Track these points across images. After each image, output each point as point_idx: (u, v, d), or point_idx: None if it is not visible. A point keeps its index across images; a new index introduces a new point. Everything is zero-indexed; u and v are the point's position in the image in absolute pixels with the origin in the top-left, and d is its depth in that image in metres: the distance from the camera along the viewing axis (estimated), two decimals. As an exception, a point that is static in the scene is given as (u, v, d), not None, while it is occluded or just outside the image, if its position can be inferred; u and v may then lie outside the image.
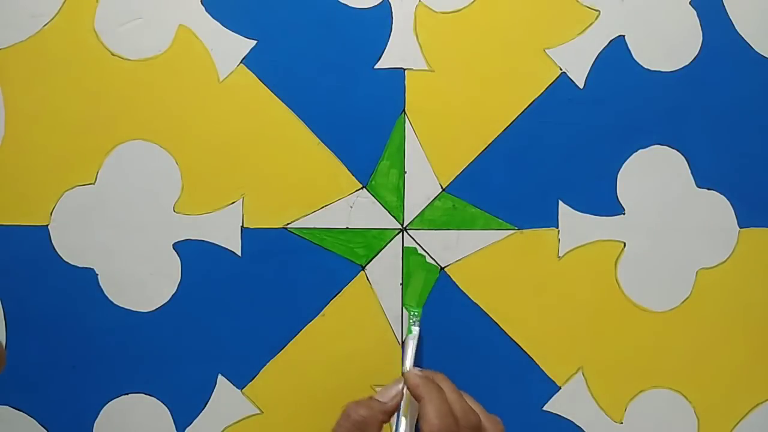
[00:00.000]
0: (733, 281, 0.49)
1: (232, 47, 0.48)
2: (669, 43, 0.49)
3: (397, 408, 0.40)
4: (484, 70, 0.49)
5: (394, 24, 0.48)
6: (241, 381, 0.48)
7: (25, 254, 0.47)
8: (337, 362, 0.48)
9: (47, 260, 0.47)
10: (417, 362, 0.47)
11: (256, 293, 0.48)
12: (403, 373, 0.40)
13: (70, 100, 0.48)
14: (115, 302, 0.48)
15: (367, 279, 0.48)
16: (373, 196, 0.49)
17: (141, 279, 0.48)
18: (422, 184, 0.49)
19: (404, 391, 0.40)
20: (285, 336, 0.48)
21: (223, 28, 0.48)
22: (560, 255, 0.49)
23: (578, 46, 0.49)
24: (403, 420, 0.40)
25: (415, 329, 0.46)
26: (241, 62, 0.48)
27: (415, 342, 0.45)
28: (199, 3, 0.48)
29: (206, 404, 0.48)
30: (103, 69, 0.48)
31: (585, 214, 0.49)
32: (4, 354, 0.46)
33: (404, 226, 0.49)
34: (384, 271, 0.48)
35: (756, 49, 0.49)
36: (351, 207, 0.48)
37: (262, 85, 0.48)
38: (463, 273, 0.49)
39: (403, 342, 0.46)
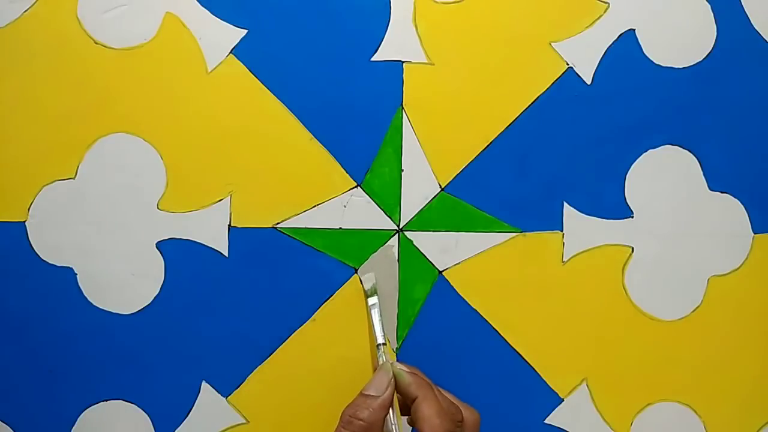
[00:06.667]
0: (746, 289, 0.49)
1: (221, 36, 0.48)
2: (681, 37, 0.49)
3: (392, 397, 0.39)
4: (487, 64, 0.48)
5: (392, 14, 0.48)
6: (226, 388, 0.47)
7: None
8: (328, 370, 0.48)
9: (24, 258, 0.47)
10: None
11: (243, 296, 0.47)
12: (391, 365, 0.40)
13: (51, 90, 0.47)
14: (94, 303, 0.47)
15: (361, 282, 0.48)
16: (368, 195, 0.48)
17: (122, 279, 0.47)
18: (420, 183, 0.48)
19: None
20: (274, 341, 0.47)
21: (212, 16, 0.48)
22: (565, 259, 0.48)
23: (586, 39, 0.49)
24: (401, 419, 0.39)
25: (372, 299, 0.45)
26: (230, 52, 0.48)
27: (377, 310, 0.44)
28: (188, -11, 0.48)
29: (189, 412, 0.47)
30: (86, 58, 0.47)
31: (591, 217, 0.48)
32: None
33: (400, 227, 0.48)
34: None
35: (773, 46, 0.50)
36: (345, 206, 0.48)
37: (253, 76, 0.48)
38: (462, 277, 0.48)
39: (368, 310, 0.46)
